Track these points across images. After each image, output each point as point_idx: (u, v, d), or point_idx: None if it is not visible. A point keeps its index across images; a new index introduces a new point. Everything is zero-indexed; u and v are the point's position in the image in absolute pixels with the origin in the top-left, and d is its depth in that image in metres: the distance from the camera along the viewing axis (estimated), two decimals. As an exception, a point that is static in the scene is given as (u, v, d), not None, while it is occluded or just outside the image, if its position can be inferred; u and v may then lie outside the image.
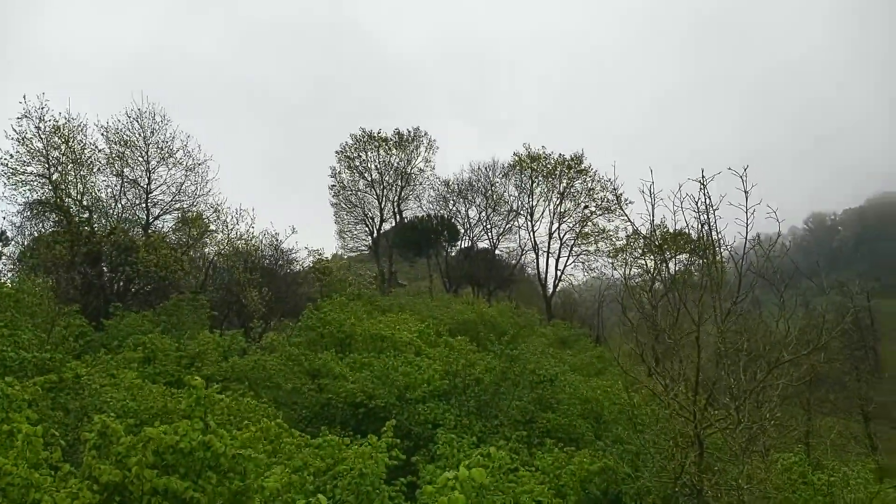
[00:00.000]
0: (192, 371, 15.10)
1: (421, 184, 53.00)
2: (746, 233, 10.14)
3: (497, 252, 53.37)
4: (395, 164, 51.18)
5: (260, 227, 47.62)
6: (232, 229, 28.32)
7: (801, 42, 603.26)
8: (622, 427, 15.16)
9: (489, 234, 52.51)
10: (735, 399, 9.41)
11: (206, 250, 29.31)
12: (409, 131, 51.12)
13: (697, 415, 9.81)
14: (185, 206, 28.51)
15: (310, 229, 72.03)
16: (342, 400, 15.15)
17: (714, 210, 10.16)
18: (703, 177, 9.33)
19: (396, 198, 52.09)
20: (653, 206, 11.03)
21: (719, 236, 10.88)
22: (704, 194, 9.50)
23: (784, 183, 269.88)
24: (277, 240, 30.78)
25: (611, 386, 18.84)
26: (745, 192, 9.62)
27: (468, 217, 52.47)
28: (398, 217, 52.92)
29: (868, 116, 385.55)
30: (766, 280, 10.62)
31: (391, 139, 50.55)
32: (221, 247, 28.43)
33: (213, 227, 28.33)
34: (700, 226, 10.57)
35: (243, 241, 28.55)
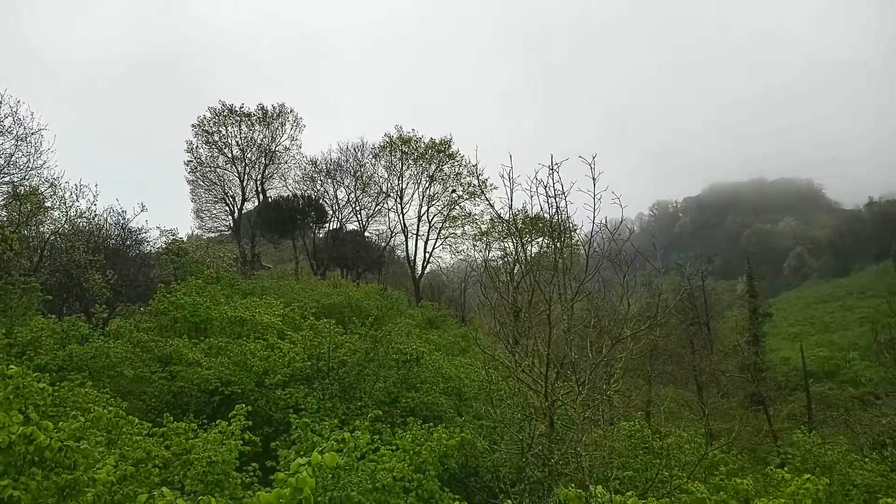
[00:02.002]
0: (24, 360, 13.65)
1: (286, 162, 51.25)
2: (594, 217, 10.72)
3: (367, 234, 53.14)
4: (259, 141, 49.05)
5: (104, 204, 43.94)
6: (71, 206, 25.77)
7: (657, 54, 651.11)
8: (481, 403, 15.72)
9: (358, 215, 52.05)
10: (576, 372, 10.03)
11: (42, 229, 26.45)
12: (273, 107, 49.19)
13: (548, 388, 10.39)
14: (15, 179, 25.50)
15: (162, 208, 67.44)
16: (196, 387, 14.41)
17: (565, 195, 10.72)
18: (552, 163, 9.76)
19: (260, 176, 49.99)
20: (511, 190, 11.46)
21: (570, 220, 11.51)
22: (552, 179, 9.95)
23: (633, 175, 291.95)
24: (125, 218, 28.41)
25: (472, 364, 19.48)
26: (594, 178, 10.20)
27: (337, 198, 51.54)
28: (262, 196, 50.82)
29: (706, 115, 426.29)
30: (610, 261, 11.42)
31: (254, 114, 48.34)
32: (59, 225, 25.78)
33: (48, 203, 25.59)
34: (553, 210, 11.13)
35: (85, 220, 26.09)
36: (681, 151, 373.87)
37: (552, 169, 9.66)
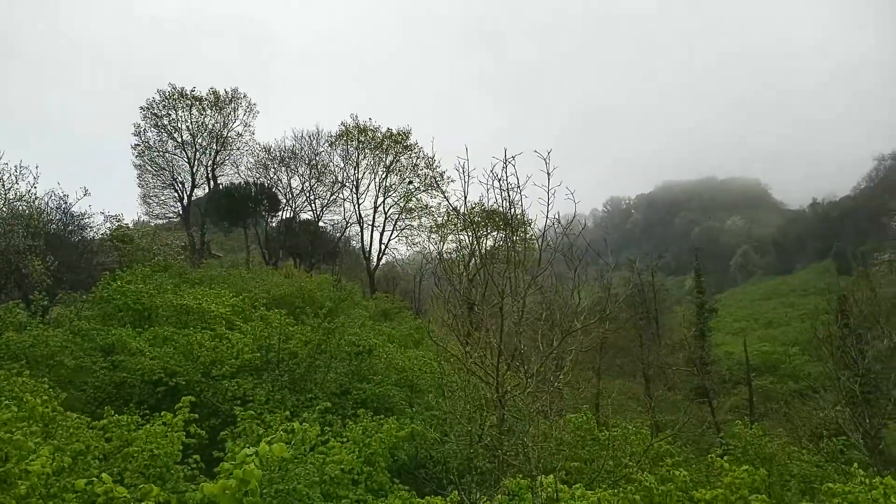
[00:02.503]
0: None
1: (239, 149, 49.92)
2: (548, 211, 10.78)
3: (321, 224, 52.29)
4: (211, 126, 47.74)
5: (45, 188, 42.22)
6: (10, 189, 24.63)
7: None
8: (433, 395, 15.74)
9: (313, 205, 51.10)
10: (527, 364, 10.13)
11: (-21, 212, 25.21)
12: (226, 92, 47.90)
13: (498, 380, 10.47)
14: (-52, 159, 24.20)
15: (107, 193, 65.06)
16: (139, 378, 14.00)
17: (520, 190, 10.78)
18: (505, 156, 9.78)
19: (211, 162, 48.60)
20: (467, 184, 11.47)
21: (525, 214, 11.59)
22: (506, 173, 9.99)
23: (590, 172, 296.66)
24: (66, 202, 27.32)
25: (425, 356, 19.49)
26: (548, 173, 10.26)
27: (290, 186, 50.52)
28: (212, 183, 49.52)
29: (662, 114, 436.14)
30: (562, 255, 11.56)
31: (206, 98, 47.01)
32: (-4, 208, 24.60)
33: (-16, 185, 24.37)
34: (507, 204, 11.18)
35: (24, 203, 24.97)
36: (636, 149, 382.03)
37: (506, 163, 9.68)
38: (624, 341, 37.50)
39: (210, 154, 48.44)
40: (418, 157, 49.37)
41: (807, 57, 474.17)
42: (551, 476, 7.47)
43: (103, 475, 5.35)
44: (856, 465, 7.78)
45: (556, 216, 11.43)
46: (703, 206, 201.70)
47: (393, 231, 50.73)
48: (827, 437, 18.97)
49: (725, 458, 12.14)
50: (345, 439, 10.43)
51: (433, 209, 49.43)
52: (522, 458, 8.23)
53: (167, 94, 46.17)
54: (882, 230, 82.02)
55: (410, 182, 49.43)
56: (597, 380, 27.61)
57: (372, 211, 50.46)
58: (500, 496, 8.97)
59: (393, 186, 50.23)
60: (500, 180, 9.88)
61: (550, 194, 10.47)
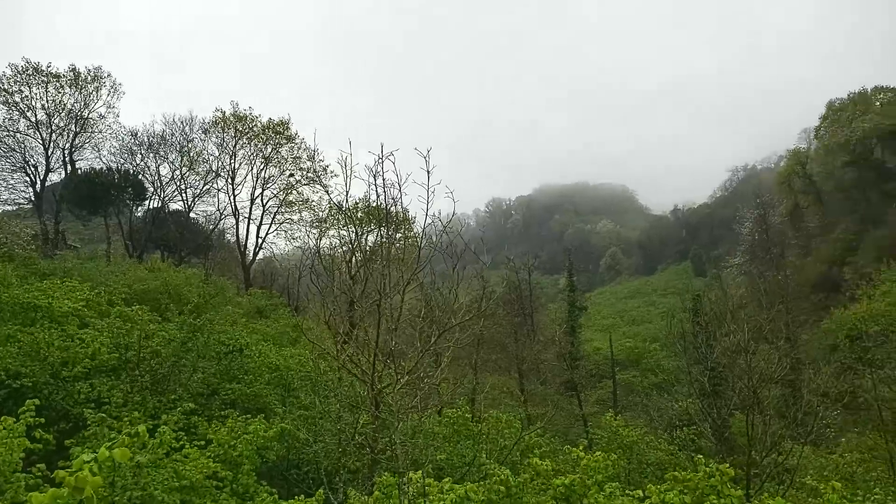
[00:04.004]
0: None
1: (101, 132, 45.94)
2: (427, 209, 10.86)
3: (192, 215, 49.30)
4: (70, 106, 43.65)
5: None
6: None
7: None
8: (309, 394, 15.39)
9: (184, 194, 48.06)
10: (404, 361, 10.14)
11: None
12: (88, 70, 44.01)
13: (374, 377, 10.39)
14: None
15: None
16: (-27, 381, 12.53)
17: (400, 187, 10.73)
18: (382, 151, 9.73)
19: (69, 145, 44.40)
20: (349, 179, 11.28)
21: (407, 211, 11.59)
22: (382, 168, 9.93)
23: (475, 173, 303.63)
24: None
25: (302, 354, 19.00)
26: (428, 171, 10.31)
27: (159, 174, 47.17)
28: (70, 167, 45.34)
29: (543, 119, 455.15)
30: (440, 253, 11.68)
31: (65, 76, 42.96)
32: None
33: None
34: (387, 200, 11.11)
35: None
36: (517, 152, 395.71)
37: (382, 158, 9.60)
38: (500, 337, 38.59)
39: (68, 136, 44.28)
40: (300, 149, 48.04)
41: (668, 74, 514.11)
42: (419, 472, 7.50)
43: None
44: (700, 457, 8.50)
45: (437, 214, 11.52)
46: (576, 208, 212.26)
47: (271, 225, 48.97)
48: (679, 427, 20.59)
49: (594, 448, 12.88)
50: (204, 442, 9.91)
51: (315, 203, 48.31)
52: (390, 455, 8.21)
53: (20, 68, 41.68)
54: (733, 236, 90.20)
55: (291, 174, 47.96)
56: (473, 375, 28.20)
57: (249, 203, 48.39)
58: (375, 493, 8.89)
59: (272, 178, 48.46)
60: (375, 175, 9.77)
61: (430, 192, 10.56)
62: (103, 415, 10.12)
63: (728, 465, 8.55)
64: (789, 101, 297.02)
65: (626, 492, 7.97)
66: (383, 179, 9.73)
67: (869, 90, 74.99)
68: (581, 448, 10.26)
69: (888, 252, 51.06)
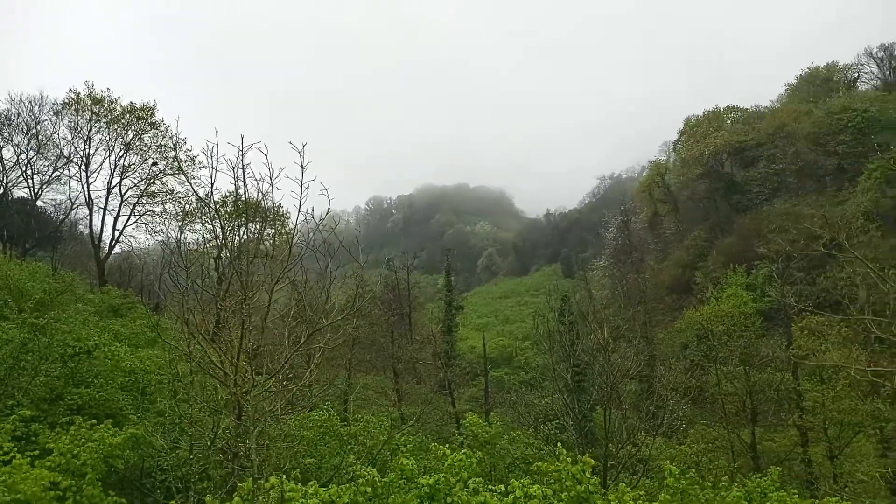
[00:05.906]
0: None
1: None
2: (300, 204, 10.53)
3: (40, 203, 44.97)
4: None
5: None
6: None
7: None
8: (166, 399, 14.48)
9: (30, 181, 43.52)
10: (273, 362, 9.81)
11: None
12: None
13: (237, 380, 9.91)
14: None
15: None
16: None
17: (272, 181, 10.32)
18: (242, 143, 9.34)
19: None
20: (215, 170, 10.69)
21: (280, 206, 11.18)
22: (242, 161, 9.54)
23: (355, 170, 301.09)
24: None
25: (161, 356, 17.83)
26: (302, 166, 10.00)
27: (1, 157, 42.48)
28: None
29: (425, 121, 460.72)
30: (312, 251, 11.37)
31: None
32: None
33: None
34: (260, 195, 10.67)
35: None
36: (400, 154, 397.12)
37: (242, 151, 9.19)
38: (376, 337, 38.44)
39: None
40: (165, 137, 44.87)
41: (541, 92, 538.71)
42: (276, 477, 7.25)
43: None
44: (559, 444, 8.93)
45: (310, 211, 11.20)
46: (456, 210, 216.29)
47: (130, 216, 45.16)
48: (543, 422, 21.55)
49: (464, 445, 13.12)
50: (36, 453, 9.01)
51: (181, 195, 45.31)
52: (245, 460, 7.90)
53: None
54: (600, 240, 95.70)
55: (155, 163, 44.69)
56: (347, 375, 27.89)
57: (105, 192, 44.39)
58: (235, 499, 8.50)
59: (133, 166, 44.89)
60: (237, 168, 9.36)
61: (304, 188, 10.25)
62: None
63: (587, 456, 9.04)
64: (652, 113, 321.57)
65: (489, 487, 8.19)
66: (244, 172, 9.28)
67: (722, 109, 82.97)
68: (447, 446, 10.41)
69: (734, 258, 56.45)
